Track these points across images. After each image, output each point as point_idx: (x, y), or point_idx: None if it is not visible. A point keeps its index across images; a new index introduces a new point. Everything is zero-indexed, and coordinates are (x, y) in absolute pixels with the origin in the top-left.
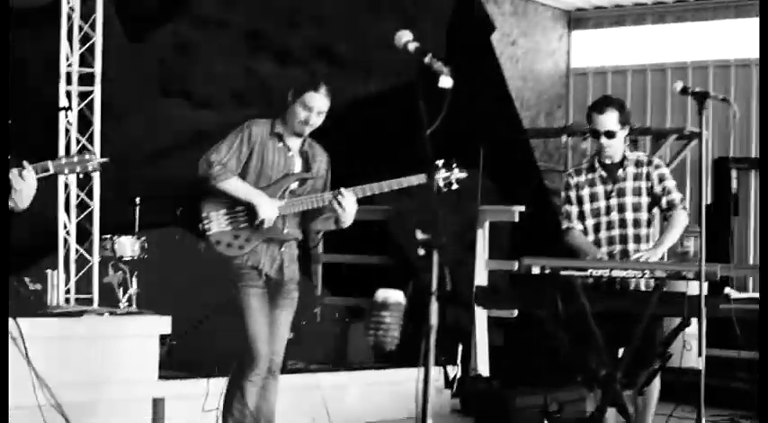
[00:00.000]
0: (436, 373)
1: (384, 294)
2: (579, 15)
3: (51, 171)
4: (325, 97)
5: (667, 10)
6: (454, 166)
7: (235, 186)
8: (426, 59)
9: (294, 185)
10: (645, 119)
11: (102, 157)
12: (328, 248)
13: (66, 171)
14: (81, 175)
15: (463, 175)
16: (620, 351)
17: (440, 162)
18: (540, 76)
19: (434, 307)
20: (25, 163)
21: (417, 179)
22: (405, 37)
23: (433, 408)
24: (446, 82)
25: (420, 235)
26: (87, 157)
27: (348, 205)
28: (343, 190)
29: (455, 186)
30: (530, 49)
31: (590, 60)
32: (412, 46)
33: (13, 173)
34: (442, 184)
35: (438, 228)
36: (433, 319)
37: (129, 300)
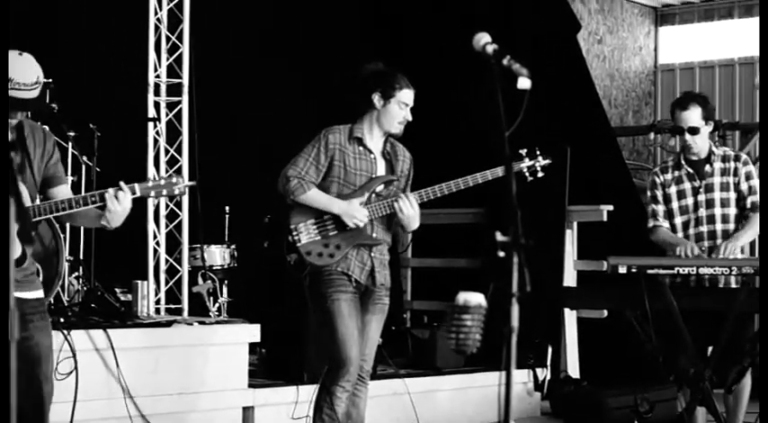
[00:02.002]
0: (526, 375)
1: (465, 297)
2: (666, 11)
3: (138, 194)
4: (413, 91)
5: (754, 3)
6: (538, 153)
7: (314, 198)
8: (505, 61)
9: (380, 188)
10: (733, 113)
11: (190, 170)
12: (417, 252)
13: (152, 194)
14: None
15: (547, 161)
16: (710, 349)
17: (523, 151)
18: (627, 73)
19: (515, 309)
20: (122, 184)
21: (492, 174)
22: (483, 39)
23: (524, 411)
24: (525, 83)
25: (500, 237)
26: (174, 180)
27: (406, 209)
28: (402, 194)
29: (540, 174)
30: (616, 46)
31: (677, 56)
32: (490, 48)
33: (110, 193)
34: (527, 172)
35: (518, 228)
36: (514, 322)
37: (220, 309)
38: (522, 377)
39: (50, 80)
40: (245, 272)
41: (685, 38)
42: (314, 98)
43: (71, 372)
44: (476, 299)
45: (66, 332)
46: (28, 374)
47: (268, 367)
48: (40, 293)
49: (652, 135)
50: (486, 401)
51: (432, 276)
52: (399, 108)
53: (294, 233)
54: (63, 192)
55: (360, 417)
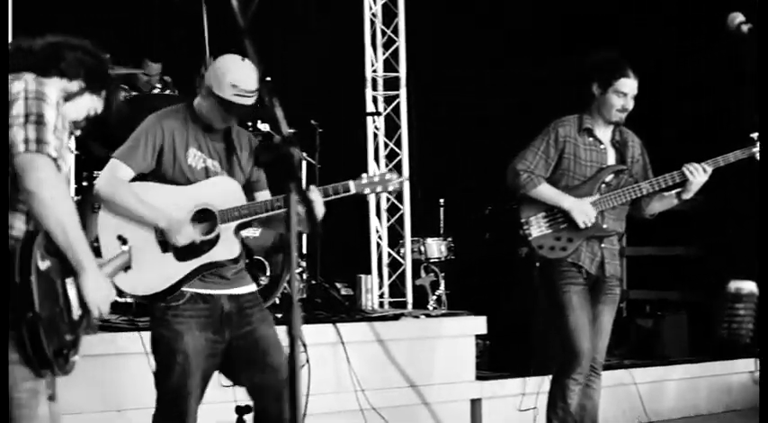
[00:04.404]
0: (752, 364)
1: (737, 285)
2: None
3: (352, 191)
4: (635, 80)
5: None
6: None
7: (544, 192)
8: None
9: (609, 178)
10: None
11: (410, 160)
12: (632, 241)
13: (366, 191)
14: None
15: None
16: None
17: (754, 135)
18: None
19: None
20: (312, 187)
21: (735, 155)
22: (738, 18)
23: (749, 400)
24: None
25: None
26: (388, 176)
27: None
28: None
29: None
30: None
31: None
32: (746, 27)
33: (295, 198)
34: (758, 156)
35: None
36: None
37: (438, 301)
38: (747, 366)
39: (269, 79)
40: (463, 264)
41: None
42: (532, 89)
43: (303, 366)
44: (748, 287)
45: None
46: (261, 365)
47: (492, 359)
48: (252, 287)
49: None
50: (712, 391)
51: (645, 265)
52: (618, 97)
53: (525, 227)
54: (263, 196)
55: (594, 408)
